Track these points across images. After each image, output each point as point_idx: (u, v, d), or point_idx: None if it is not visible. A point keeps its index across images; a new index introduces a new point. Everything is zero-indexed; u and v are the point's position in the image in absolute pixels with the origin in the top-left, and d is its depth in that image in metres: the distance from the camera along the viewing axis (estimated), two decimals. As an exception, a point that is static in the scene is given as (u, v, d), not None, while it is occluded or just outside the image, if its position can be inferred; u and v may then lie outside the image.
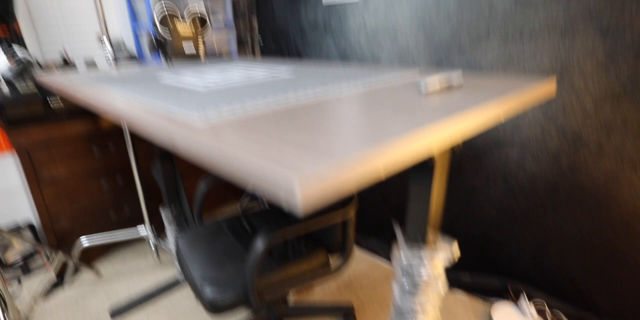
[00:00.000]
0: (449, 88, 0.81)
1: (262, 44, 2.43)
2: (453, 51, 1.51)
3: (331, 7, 1.92)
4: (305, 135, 0.49)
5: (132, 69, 1.48)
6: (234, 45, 2.52)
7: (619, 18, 1.12)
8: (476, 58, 1.46)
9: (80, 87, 1.01)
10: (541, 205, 1.46)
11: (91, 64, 2.11)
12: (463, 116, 0.57)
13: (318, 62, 2.10)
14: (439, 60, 1.57)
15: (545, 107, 1.34)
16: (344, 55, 1.95)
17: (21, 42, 2.01)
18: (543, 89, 0.82)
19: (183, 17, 1.48)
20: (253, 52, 2.20)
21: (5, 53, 1.74)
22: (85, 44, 2.17)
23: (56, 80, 1.25)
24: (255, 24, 2.41)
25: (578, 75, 1.24)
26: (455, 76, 0.82)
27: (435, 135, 0.52)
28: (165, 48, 1.48)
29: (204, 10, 1.53)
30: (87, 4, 2.11)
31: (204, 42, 1.54)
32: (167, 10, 1.43)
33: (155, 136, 0.59)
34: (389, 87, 0.86)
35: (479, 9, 1.39)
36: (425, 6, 1.54)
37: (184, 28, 1.48)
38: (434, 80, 0.78)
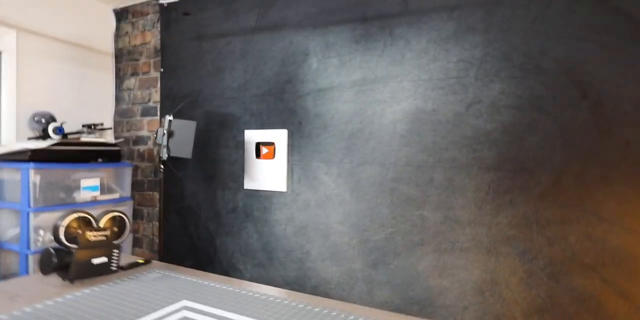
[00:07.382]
0: None
1: (163, 221, 2.17)
2: (389, 255, 1.57)
3: (254, 193, 1.90)
4: None
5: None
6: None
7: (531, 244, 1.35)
8: (413, 263, 1.53)
9: None
10: None
11: None
12: None
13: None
14: (375, 262, 1.60)
15: (482, 317, 1.42)
16: (267, 246, 1.85)
17: None
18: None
19: (96, 221, 1.23)
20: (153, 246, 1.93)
21: None
22: None
23: None
24: (159, 198, 2.20)
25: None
26: None
27: None
28: (69, 264, 1.15)
29: (122, 211, 1.32)
30: None
31: (119, 252, 1.27)
32: (76, 214, 1.17)
33: None
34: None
35: (412, 221, 1.53)
36: (359, 210, 1.63)
37: (93, 234, 1.21)
38: None
